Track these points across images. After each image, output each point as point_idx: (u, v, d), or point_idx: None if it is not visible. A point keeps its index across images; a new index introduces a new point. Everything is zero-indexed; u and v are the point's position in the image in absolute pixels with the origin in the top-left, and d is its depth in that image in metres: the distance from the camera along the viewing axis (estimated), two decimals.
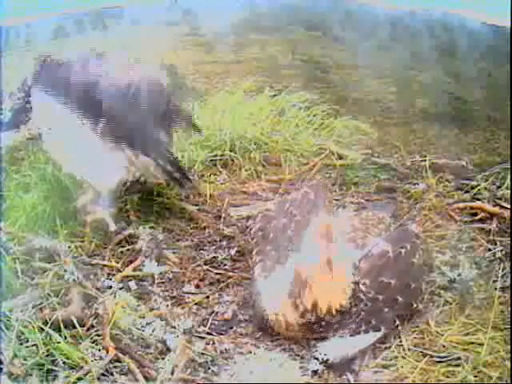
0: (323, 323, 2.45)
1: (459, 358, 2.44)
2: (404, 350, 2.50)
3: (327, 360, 2.41)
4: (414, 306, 2.60)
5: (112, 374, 2.32)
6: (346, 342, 2.45)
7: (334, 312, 2.44)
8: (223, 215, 3.26)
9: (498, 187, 3.52)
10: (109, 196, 3.03)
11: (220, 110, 3.96)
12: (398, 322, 2.54)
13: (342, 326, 2.46)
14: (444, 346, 2.51)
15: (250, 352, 2.47)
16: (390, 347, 2.51)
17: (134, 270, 2.86)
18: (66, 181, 3.12)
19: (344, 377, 2.39)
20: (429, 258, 2.91)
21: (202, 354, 2.45)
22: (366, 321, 2.47)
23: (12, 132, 3.10)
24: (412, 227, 2.86)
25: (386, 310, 2.51)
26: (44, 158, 3.25)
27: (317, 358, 2.42)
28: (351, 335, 2.46)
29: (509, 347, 2.46)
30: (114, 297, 2.64)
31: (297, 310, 2.44)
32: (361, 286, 2.51)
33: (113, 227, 3.01)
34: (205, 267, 2.94)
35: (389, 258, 2.60)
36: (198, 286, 2.84)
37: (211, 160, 3.68)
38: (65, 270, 2.67)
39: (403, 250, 2.62)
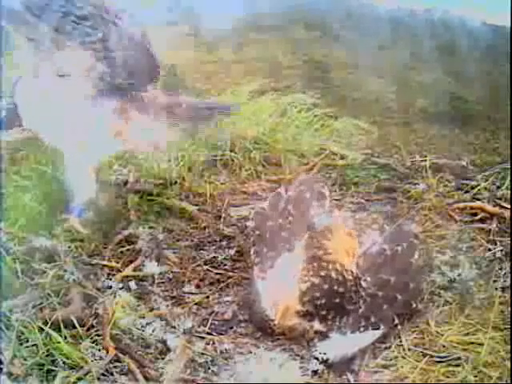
0: (325, 302, 2.46)
1: (459, 358, 2.44)
2: (404, 349, 2.50)
3: (327, 359, 2.41)
4: (414, 305, 2.61)
5: (112, 374, 2.32)
6: (345, 340, 2.46)
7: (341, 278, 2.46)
8: (223, 215, 3.26)
9: (498, 187, 3.52)
10: (84, 204, 3.02)
11: None
12: (397, 321, 2.54)
13: (341, 314, 2.47)
14: (444, 346, 2.51)
15: (250, 352, 2.47)
16: (390, 347, 2.51)
17: (134, 270, 2.86)
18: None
19: (344, 377, 2.40)
20: (429, 258, 2.91)
21: (202, 354, 2.45)
22: (366, 317, 2.48)
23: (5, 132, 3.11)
24: (410, 227, 2.86)
25: (386, 307, 2.52)
26: (44, 159, 3.26)
27: (317, 358, 2.42)
28: (351, 332, 2.46)
29: (509, 347, 2.46)
30: (114, 297, 2.64)
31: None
32: (361, 281, 2.53)
33: (84, 232, 2.98)
34: (205, 267, 2.94)
35: (386, 256, 2.62)
36: (198, 286, 2.84)
37: (211, 160, 3.68)
38: (65, 270, 2.68)
39: (399, 248, 2.64)
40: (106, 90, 2.78)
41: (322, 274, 2.45)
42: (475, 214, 3.32)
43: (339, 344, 2.45)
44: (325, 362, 2.42)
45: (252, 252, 2.77)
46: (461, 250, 3.06)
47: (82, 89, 2.77)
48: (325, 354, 2.42)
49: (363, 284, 2.53)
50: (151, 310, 2.65)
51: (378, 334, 2.50)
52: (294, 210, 2.83)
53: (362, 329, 2.47)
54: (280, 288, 2.52)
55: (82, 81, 2.75)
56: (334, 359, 2.42)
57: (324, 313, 2.47)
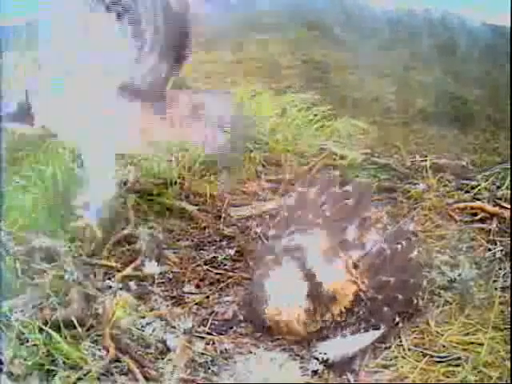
0: (331, 323, 2.46)
1: (459, 358, 2.44)
2: (404, 349, 2.50)
3: (327, 359, 2.41)
4: (415, 302, 2.61)
5: (112, 374, 2.32)
6: (345, 341, 2.46)
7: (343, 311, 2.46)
8: (223, 215, 3.26)
9: (498, 187, 3.52)
10: (103, 204, 3.01)
11: None
12: (398, 320, 2.55)
13: (344, 325, 2.47)
14: (444, 346, 2.52)
15: (250, 352, 2.47)
16: (390, 347, 2.51)
17: (134, 270, 2.85)
18: (66, 181, 3.12)
19: (344, 377, 2.40)
20: (429, 258, 2.92)
21: (202, 354, 2.45)
22: (366, 320, 2.48)
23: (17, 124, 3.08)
24: (409, 225, 2.85)
25: (386, 308, 2.51)
26: (44, 158, 3.26)
27: (317, 358, 2.42)
28: (351, 334, 2.47)
29: (509, 347, 2.46)
30: (114, 297, 2.64)
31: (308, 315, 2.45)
32: (361, 285, 2.52)
33: (100, 235, 2.98)
34: (205, 267, 2.94)
35: (386, 256, 2.61)
36: (198, 286, 2.84)
37: (211, 160, 3.68)
38: (65, 270, 2.68)
39: (399, 247, 2.63)
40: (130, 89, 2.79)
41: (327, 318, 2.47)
42: (475, 214, 3.33)
43: (339, 344, 2.46)
44: (325, 361, 2.42)
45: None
46: (461, 250, 3.06)
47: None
48: (325, 354, 2.42)
49: (363, 288, 2.53)
50: (151, 310, 2.65)
51: (377, 334, 2.51)
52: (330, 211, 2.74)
53: (362, 330, 2.48)
54: (285, 293, 2.50)
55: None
56: (335, 359, 2.42)
57: (331, 323, 2.48)
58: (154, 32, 2.81)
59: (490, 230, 3.21)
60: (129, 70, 2.81)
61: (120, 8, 2.74)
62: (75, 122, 2.80)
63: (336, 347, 2.44)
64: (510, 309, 2.67)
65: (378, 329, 2.50)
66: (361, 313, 2.48)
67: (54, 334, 2.37)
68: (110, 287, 2.72)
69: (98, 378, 2.28)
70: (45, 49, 2.84)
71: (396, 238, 2.70)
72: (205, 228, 3.18)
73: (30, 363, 2.29)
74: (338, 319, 2.46)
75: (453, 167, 3.71)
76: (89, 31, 2.77)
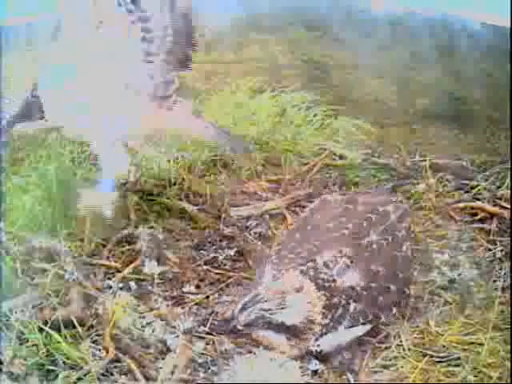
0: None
1: (459, 358, 2.45)
2: (404, 349, 2.50)
3: (321, 351, 2.41)
4: (407, 292, 2.61)
5: (112, 374, 2.32)
6: (338, 333, 2.46)
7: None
8: (223, 215, 3.26)
9: (498, 187, 3.52)
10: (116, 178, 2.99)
11: (221, 110, 3.96)
12: (394, 311, 2.55)
13: (333, 323, 2.47)
14: (444, 346, 2.52)
15: (250, 352, 2.47)
16: (390, 347, 2.51)
17: (134, 270, 2.86)
18: (67, 180, 3.12)
19: (344, 377, 2.40)
20: (428, 258, 2.92)
21: (202, 354, 2.46)
22: (363, 313, 2.48)
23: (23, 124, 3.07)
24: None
25: (381, 298, 2.51)
26: (44, 157, 3.26)
27: (311, 351, 2.42)
28: (347, 328, 2.47)
29: (509, 347, 2.46)
30: (114, 297, 2.64)
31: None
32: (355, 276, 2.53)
33: (109, 214, 2.95)
34: (205, 267, 2.94)
35: (373, 249, 2.60)
36: (198, 286, 2.84)
37: (211, 160, 3.68)
38: (65, 270, 2.68)
39: (384, 242, 2.63)
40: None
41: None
42: (475, 214, 3.33)
43: (334, 337, 2.46)
44: (319, 353, 2.42)
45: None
46: (461, 250, 3.06)
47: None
48: (318, 346, 2.42)
49: (356, 279, 2.53)
50: (151, 310, 2.65)
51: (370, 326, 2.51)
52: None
53: (359, 325, 2.48)
54: None
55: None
56: (329, 349, 2.43)
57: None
58: (161, 31, 2.82)
59: (490, 230, 3.21)
60: (136, 69, 2.82)
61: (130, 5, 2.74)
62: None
63: (331, 340, 2.44)
64: (510, 309, 2.67)
65: (377, 320, 2.50)
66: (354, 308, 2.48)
67: (53, 333, 2.37)
68: (110, 287, 2.72)
69: (98, 378, 2.28)
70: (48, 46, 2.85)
71: (384, 233, 2.69)
72: (205, 228, 3.18)
73: (29, 363, 2.29)
74: (323, 323, 2.46)
75: (453, 167, 3.71)
76: (99, 28, 2.78)
